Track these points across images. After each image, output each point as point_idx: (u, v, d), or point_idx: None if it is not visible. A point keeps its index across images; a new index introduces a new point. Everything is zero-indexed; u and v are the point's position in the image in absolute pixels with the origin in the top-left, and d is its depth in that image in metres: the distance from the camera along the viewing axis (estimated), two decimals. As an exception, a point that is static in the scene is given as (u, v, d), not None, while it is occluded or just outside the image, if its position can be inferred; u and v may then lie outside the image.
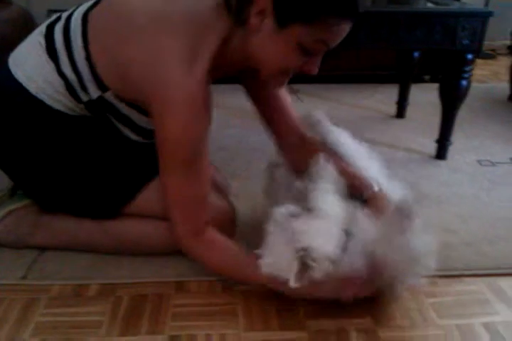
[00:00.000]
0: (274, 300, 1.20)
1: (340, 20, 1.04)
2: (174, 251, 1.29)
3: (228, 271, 1.22)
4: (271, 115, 1.38)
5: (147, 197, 1.26)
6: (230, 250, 1.20)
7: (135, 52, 1.07)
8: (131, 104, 1.17)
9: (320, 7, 1.01)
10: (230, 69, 1.19)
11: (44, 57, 1.16)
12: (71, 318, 1.15)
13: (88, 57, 1.12)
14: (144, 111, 1.16)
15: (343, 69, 2.89)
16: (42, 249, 1.36)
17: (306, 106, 2.60)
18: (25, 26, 2.49)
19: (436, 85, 1.92)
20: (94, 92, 1.15)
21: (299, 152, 1.36)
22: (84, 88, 1.15)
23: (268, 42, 1.06)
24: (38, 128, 1.21)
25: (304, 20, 1.02)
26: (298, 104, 2.63)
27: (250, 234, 1.21)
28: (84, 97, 1.17)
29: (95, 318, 1.15)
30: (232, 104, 2.53)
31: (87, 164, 1.25)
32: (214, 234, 1.19)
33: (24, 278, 1.27)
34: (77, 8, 1.21)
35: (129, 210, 1.28)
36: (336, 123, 1.39)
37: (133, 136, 1.25)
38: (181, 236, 1.18)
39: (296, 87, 2.85)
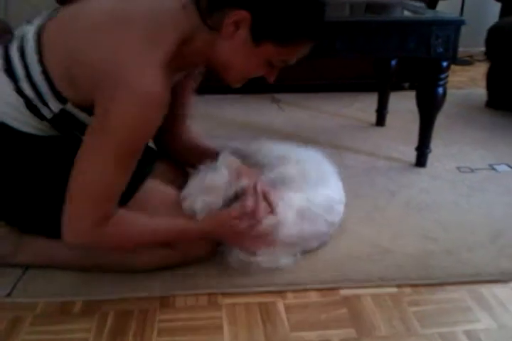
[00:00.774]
0: (259, 313, 1.21)
1: (310, 43, 1.13)
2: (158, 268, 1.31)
3: (152, 235, 1.22)
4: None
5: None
6: (141, 217, 1.20)
7: (95, 53, 1.06)
8: (92, 113, 1.14)
9: (297, 31, 1.09)
10: (191, 69, 1.24)
11: (2, 78, 1.14)
12: (56, 336, 1.15)
13: (44, 71, 1.11)
14: None
15: (323, 78, 2.92)
16: (26, 266, 1.36)
17: (287, 115, 2.62)
18: (2, 38, 2.47)
19: (415, 93, 1.94)
20: (55, 106, 1.14)
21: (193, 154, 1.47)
22: (45, 103, 1.14)
23: (238, 52, 1.11)
24: (12, 153, 1.21)
25: (278, 41, 1.08)
26: (279, 114, 2.65)
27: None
28: (47, 113, 1.15)
29: (81, 335, 1.15)
30: (216, 114, 2.55)
31: (61, 185, 1.24)
32: (121, 213, 1.16)
33: (9, 295, 1.26)
34: (30, 25, 1.19)
35: None
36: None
37: None
38: (87, 227, 1.11)
39: (277, 96, 2.87)
